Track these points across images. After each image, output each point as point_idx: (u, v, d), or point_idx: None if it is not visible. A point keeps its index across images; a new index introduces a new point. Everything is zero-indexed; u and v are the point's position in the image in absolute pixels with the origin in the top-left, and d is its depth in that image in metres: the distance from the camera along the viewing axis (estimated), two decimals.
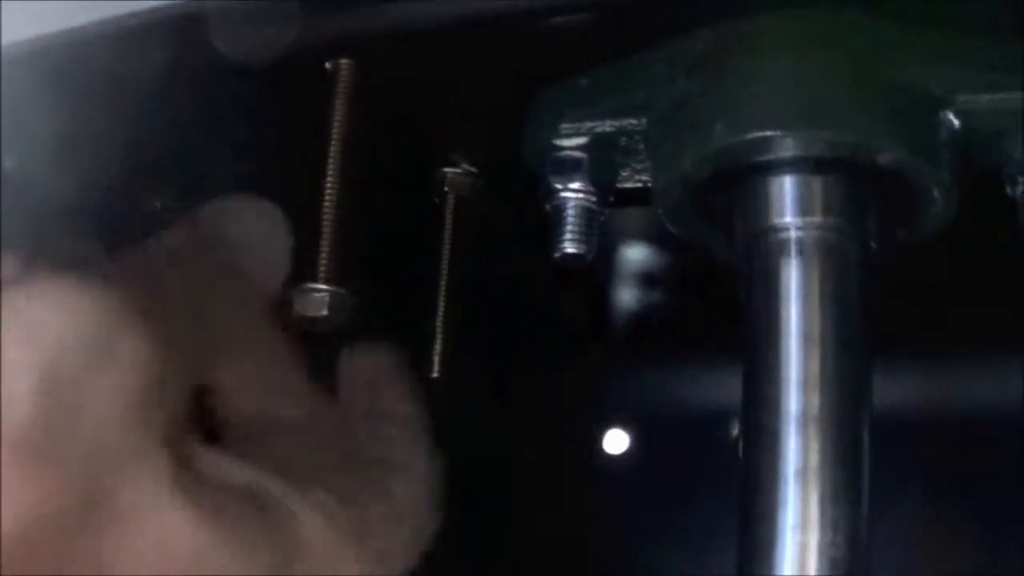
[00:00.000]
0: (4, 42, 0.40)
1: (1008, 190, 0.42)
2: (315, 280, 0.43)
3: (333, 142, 0.44)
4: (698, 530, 0.59)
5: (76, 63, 0.42)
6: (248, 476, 0.36)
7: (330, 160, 0.44)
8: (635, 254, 0.60)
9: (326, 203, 0.44)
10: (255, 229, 0.42)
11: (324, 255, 0.43)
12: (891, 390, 0.59)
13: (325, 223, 0.44)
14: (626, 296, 0.62)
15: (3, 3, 0.40)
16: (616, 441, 0.64)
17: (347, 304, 0.43)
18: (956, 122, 0.41)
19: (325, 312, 0.43)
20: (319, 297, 0.43)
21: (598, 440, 0.63)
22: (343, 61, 0.46)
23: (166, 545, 0.32)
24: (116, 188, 0.45)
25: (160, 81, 0.44)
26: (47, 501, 0.30)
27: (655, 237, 0.59)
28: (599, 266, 0.60)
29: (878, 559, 0.57)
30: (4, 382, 0.30)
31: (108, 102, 0.43)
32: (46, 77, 0.41)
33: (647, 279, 0.61)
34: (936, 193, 0.41)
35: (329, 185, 0.44)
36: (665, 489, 0.61)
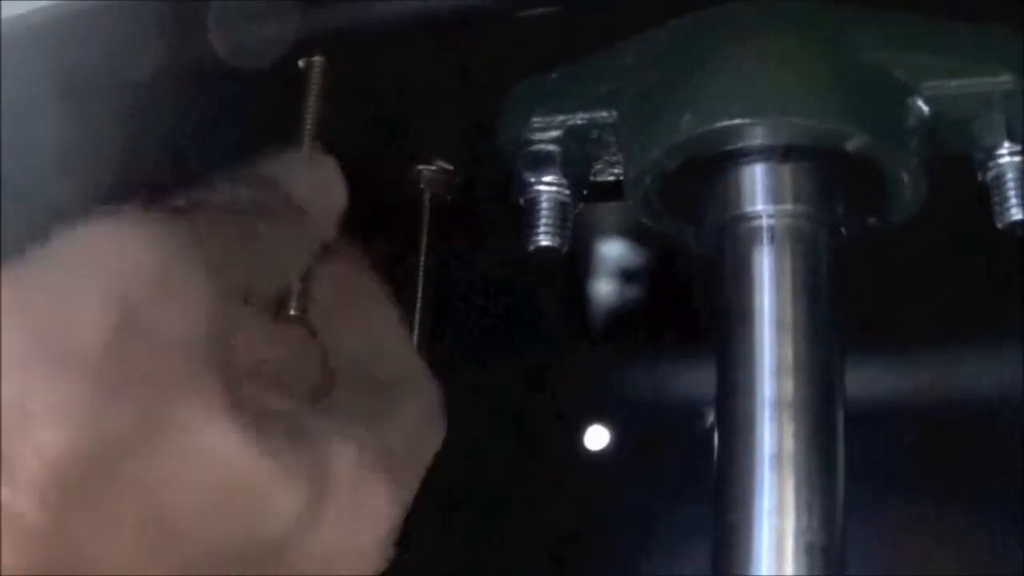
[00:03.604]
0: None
1: (979, 176, 0.42)
2: None
3: (306, 140, 0.45)
4: (681, 524, 0.60)
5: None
6: (287, 405, 0.36)
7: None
8: (614, 249, 0.60)
9: None
10: (311, 183, 0.42)
11: None
12: (885, 382, 0.60)
13: None
14: (605, 291, 0.62)
15: None
16: (597, 437, 0.64)
17: None
18: (924, 108, 0.41)
19: None
20: None
21: (579, 437, 0.64)
22: (316, 59, 0.46)
23: (213, 468, 0.32)
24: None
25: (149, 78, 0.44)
26: (109, 426, 0.30)
27: (633, 232, 0.59)
28: (577, 262, 0.60)
29: (874, 553, 0.57)
30: (77, 314, 0.31)
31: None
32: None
33: (626, 274, 0.61)
34: (905, 179, 0.41)
35: None
36: (647, 484, 0.61)
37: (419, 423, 0.40)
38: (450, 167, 0.50)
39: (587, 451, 0.64)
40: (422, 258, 0.50)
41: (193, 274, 0.33)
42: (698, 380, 0.60)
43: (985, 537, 0.59)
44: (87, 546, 0.30)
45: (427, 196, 0.50)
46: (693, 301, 0.57)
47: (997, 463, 0.58)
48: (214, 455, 0.32)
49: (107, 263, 0.32)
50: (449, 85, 0.48)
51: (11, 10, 0.43)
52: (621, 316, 0.63)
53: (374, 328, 0.42)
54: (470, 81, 0.47)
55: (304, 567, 0.35)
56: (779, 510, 0.38)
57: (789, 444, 0.39)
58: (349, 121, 0.47)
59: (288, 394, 0.37)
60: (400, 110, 0.49)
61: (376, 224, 0.52)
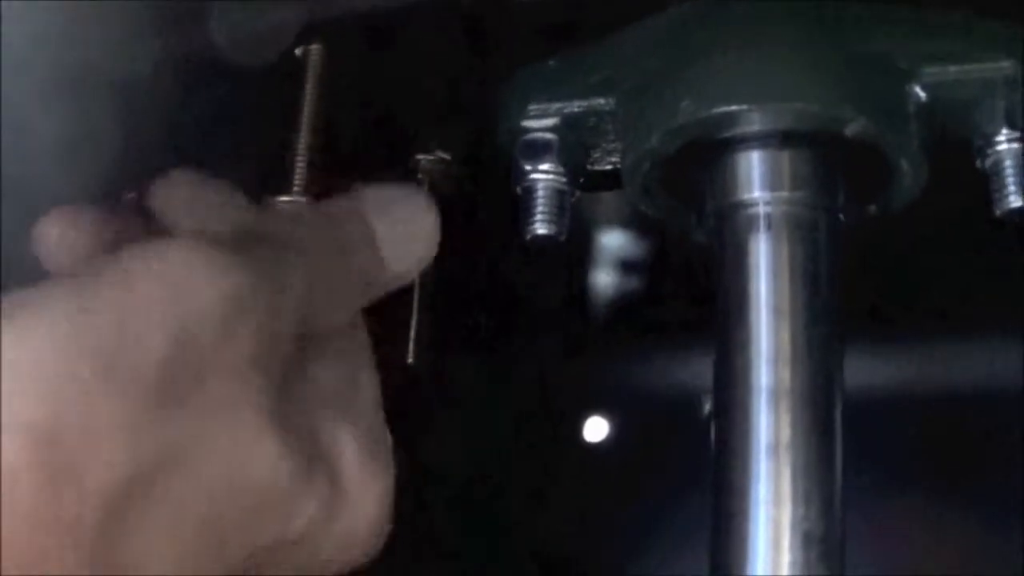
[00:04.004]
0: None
1: (978, 163, 0.42)
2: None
3: (303, 128, 0.45)
4: (682, 514, 0.59)
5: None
6: (302, 405, 0.36)
7: (299, 146, 0.44)
8: (614, 239, 0.60)
9: (295, 188, 0.44)
10: (400, 225, 0.42)
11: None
12: (885, 374, 0.60)
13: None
14: (604, 282, 0.62)
15: None
16: (596, 428, 0.63)
17: None
18: (923, 94, 0.41)
19: None
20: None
21: (578, 428, 0.63)
22: (314, 46, 0.46)
23: (252, 477, 0.33)
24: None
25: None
26: (166, 441, 0.31)
27: (634, 221, 0.59)
28: (577, 251, 0.60)
29: (873, 548, 0.57)
30: (140, 338, 0.31)
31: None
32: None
33: (625, 264, 0.61)
34: (904, 165, 0.41)
35: (299, 173, 0.44)
36: (647, 475, 0.61)
37: (377, 402, 0.40)
38: (448, 157, 0.50)
39: (586, 442, 0.64)
40: None
41: (252, 308, 0.34)
42: (701, 370, 0.60)
43: (985, 533, 0.59)
44: (141, 551, 0.31)
45: (425, 186, 0.50)
46: (694, 290, 0.57)
47: (998, 457, 0.58)
48: (254, 465, 0.33)
49: (173, 290, 0.33)
50: (448, 73, 0.48)
51: (11, 6, 0.43)
52: (622, 306, 0.63)
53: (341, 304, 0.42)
54: (468, 68, 0.47)
55: (323, 553, 0.36)
56: (776, 500, 0.38)
57: (786, 433, 0.39)
58: (348, 110, 0.46)
59: (301, 393, 0.37)
60: (399, 99, 0.49)
61: None
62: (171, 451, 0.31)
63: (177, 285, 0.33)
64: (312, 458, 0.35)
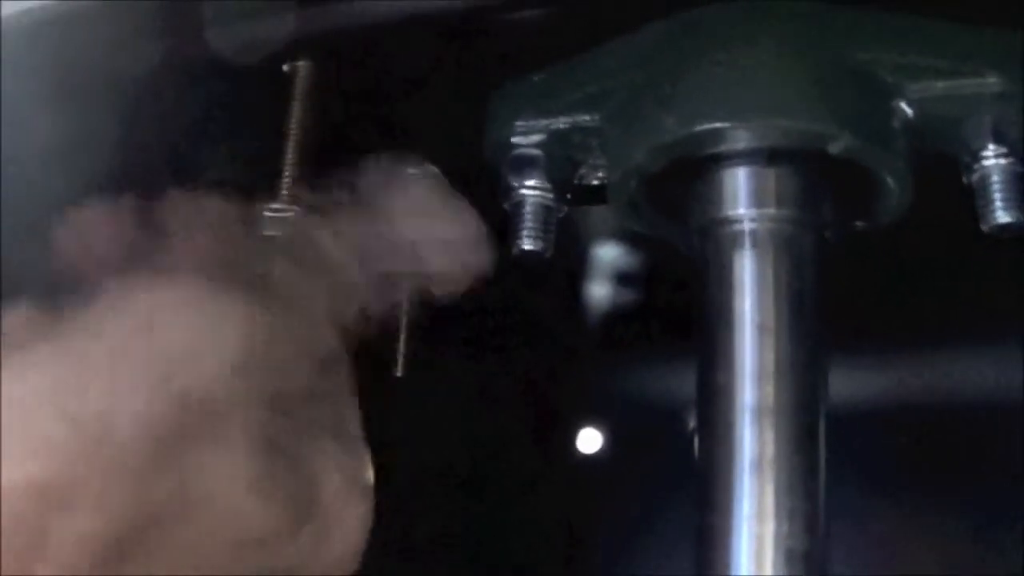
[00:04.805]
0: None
1: (965, 178, 0.42)
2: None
3: (291, 140, 0.45)
4: (674, 527, 0.59)
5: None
6: (291, 436, 0.37)
7: (287, 158, 0.45)
8: (610, 251, 0.60)
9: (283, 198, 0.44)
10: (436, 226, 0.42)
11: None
12: (882, 382, 0.59)
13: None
14: (600, 293, 0.62)
15: None
16: (590, 440, 0.63)
17: None
18: (910, 110, 0.41)
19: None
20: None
21: (572, 439, 0.63)
22: (301, 63, 0.46)
23: (232, 521, 0.34)
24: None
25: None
26: (145, 502, 0.32)
27: (629, 234, 0.59)
28: (572, 263, 0.60)
29: (871, 555, 0.57)
30: (123, 397, 0.31)
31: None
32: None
33: (621, 276, 0.61)
34: (890, 181, 0.41)
35: (286, 184, 0.44)
36: (641, 487, 0.61)
37: (359, 432, 0.40)
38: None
39: (580, 454, 0.64)
40: None
41: (265, 362, 0.34)
42: (694, 383, 0.60)
43: (984, 539, 0.58)
44: None
45: None
46: (690, 303, 0.57)
47: (997, 467, 0.58)
48: (249, 512, 0.34)
49: (180, 348, 0.33)
50: (438, 86, 0.48)
51: (10, 9, 0.43)
52: (617, 319, 0.63)
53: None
54: (457, 83, 0.47)
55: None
56: (759, 516, 0.38)
57: (770, 450, 0.39)
58: (337, 122, 0.47)
59: (300, 426, 0.37)
60: (389, 111, 0.49)
61: None
62: (168, 500, 0.32)
63: (186, 341, 0.33)
64: (304, 495, 0.35)
